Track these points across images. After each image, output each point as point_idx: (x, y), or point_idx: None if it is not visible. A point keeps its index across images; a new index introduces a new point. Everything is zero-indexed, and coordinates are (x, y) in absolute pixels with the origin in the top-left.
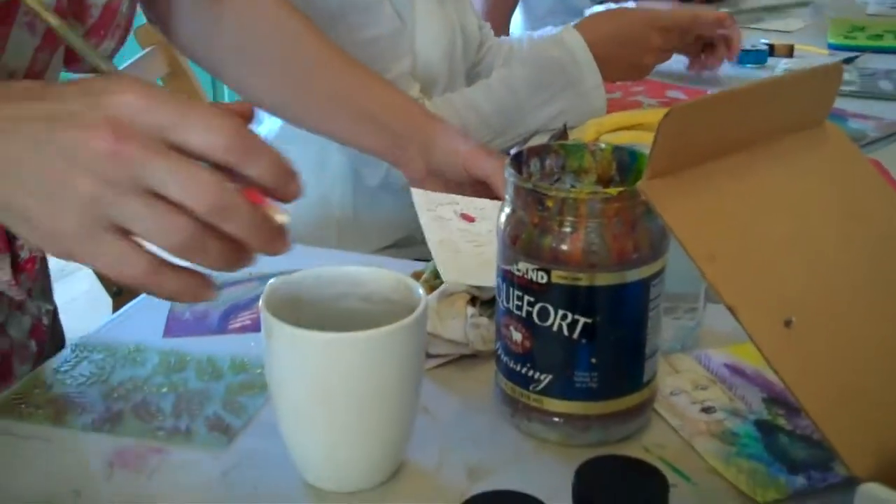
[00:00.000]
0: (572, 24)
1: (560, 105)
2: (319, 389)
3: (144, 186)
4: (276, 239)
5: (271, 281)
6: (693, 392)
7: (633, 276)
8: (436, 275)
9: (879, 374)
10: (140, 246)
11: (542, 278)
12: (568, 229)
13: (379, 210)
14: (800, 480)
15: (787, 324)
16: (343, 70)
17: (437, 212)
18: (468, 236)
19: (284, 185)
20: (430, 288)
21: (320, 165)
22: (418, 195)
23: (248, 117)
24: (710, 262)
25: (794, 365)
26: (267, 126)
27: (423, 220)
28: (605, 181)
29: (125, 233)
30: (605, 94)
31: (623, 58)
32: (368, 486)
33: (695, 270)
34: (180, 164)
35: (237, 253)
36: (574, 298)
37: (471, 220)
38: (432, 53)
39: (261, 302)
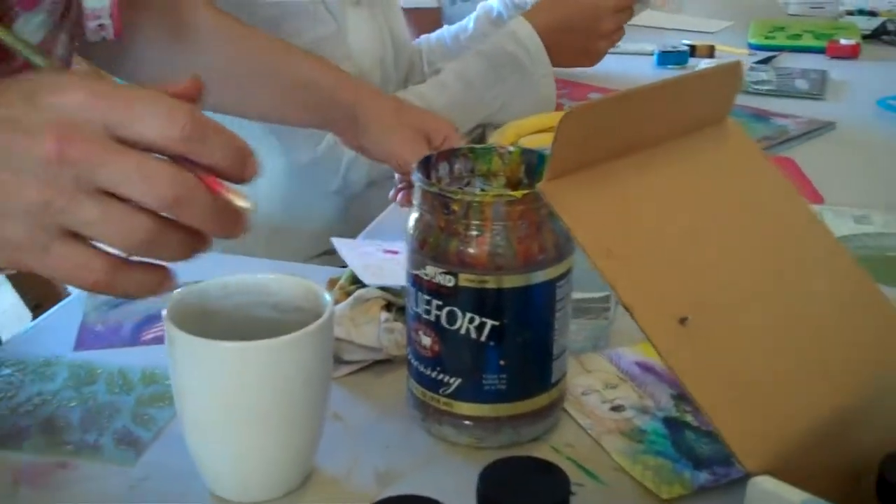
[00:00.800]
0: (521, 13)
1: (508, 94)
2: (222, 400)
3: (96, 187)
4: (236, 224)
5: (176, 291)
6: (603, 391)
7: (540, 277)
8: (352, 281)
9: (774, 370)
10: (94, 249)
11: (449, 282)
12: (474, 232)
13: (311, 215)
14: (704, 476)
15: (683, 321)
16: (267, 45)
17: (360, 249)
18: (393, 262)
19: (241, 168)
20: (346, 294)
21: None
22: (340, 243)
23: (197, 96)
24: (607, 259)
25: (688, 361)
26: None
27: (348, 258)
28: (513, 184)
29: (78, 237)
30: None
31: (574, 44)
32: (276, 496)
33: None
34: (131, 159)
35: (196, 242)
36: (481, 301)
37: (395, 252)
38: (365, 60)
39: (164, 312)
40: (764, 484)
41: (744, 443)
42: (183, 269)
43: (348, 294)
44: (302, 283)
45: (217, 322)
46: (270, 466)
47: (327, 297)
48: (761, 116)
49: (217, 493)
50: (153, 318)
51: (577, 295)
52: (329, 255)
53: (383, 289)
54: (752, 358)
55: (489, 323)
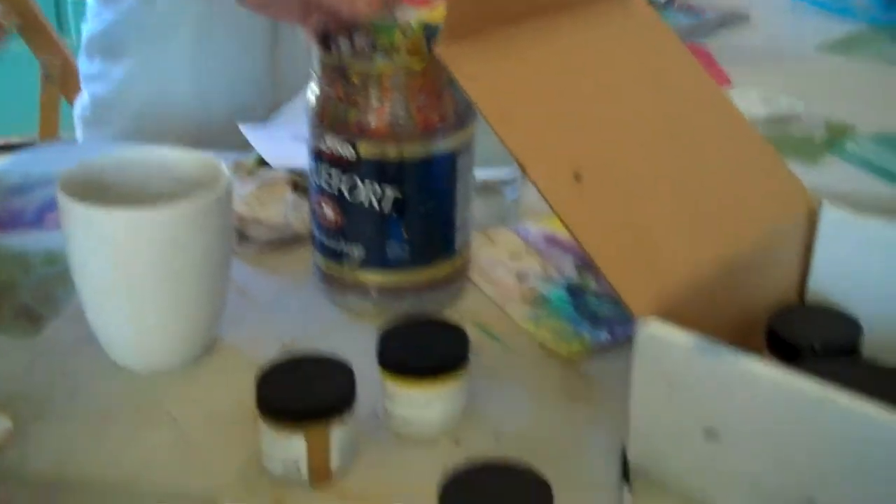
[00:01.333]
0: None
1: None
2: (118, 269)
3: None
4: None
5: (69, 167)
6: (509, 262)
7: (441, 147)
8: (258, 163)
9: (666, 221)
10: None
11: (350, 153)
12: (373, 102)
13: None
14: (602, 335)
15: (577, 178)
16: None
17: (269, 134)
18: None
19: None
20: (249, 173)
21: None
22: (248, 129)
23: None
24: (504, 121)
25: (580, 214)
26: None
27: (255, 142)
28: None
29: None
30: None
31: None
32: (178, 365)
33: None
34: None
35: None
36: (383, 172)
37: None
38: None
39: (57, 185)
40: (652, 327)
41: (633, 290)
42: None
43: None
44: (200, 157)
45: (113, 196)
46: (171, 335)
47: (225, 169)
48: (676, 7)
49: (120, 364)
50: (54, 204)
51: (485, 174)
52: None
53: (292, 171)
54: (644, 210)
55: (391, 193)
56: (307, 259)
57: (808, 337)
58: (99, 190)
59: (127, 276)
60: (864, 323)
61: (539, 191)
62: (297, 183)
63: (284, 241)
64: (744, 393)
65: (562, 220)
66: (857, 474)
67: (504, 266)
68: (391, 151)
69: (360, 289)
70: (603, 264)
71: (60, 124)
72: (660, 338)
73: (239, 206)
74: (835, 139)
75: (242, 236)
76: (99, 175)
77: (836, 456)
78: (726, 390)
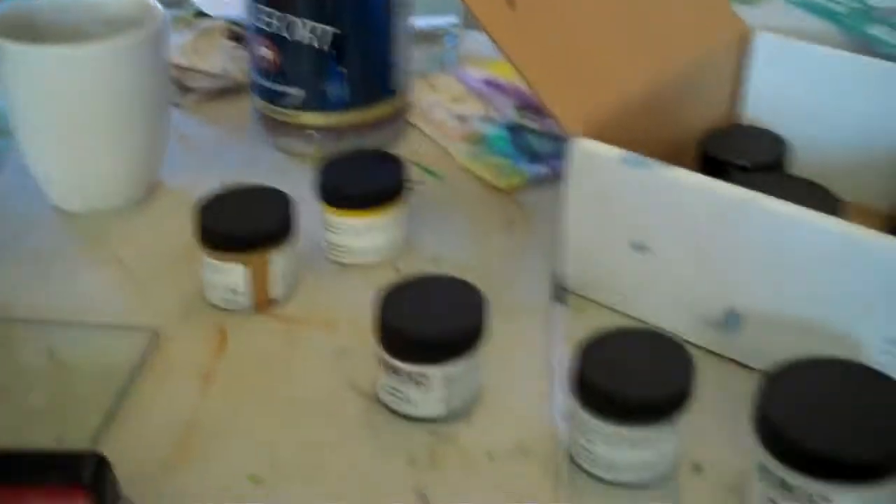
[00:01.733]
0: None
1: None
2: (55, 108)
3: None
4: None
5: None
6: (450, 105)
7: None
8: (195, 15)
9: (598, 44)
10: None
11: None
12: None
13: None
14: (541, 168)
15: (510, 3)
16: None
17: None
18: None
19: None
20: (190, 26)
21: None
22: None
23: None
24: None
25: (515, 37)
26: None
27: None
28: None
29: None
30: None
31: None
32: (120, 205)
33: None
34: None
35: None
36: (320, 8)
37: None
38: None
39: None
40: (584, 144)
41: (565, 109)
42: None
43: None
44: None
45: (47, 38)
46: (110, 175)
47: (158, 6)
48: None
49: (60, 206)
50: None
51: (426, 22)
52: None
53: (230, 20)
54: (578, 33)
55: (330, 31)
56: (246, 107)
57: (736, 155)
58: (30, 32)
59: (63, 115)
60: (796, 144)
61: (474, 16)
62: (235, 32)
63: (225, 90)
64: (670, 202)
65: (496, 44)
66: (775, 281)
67: (445, 109)
68: None
69: (301, 131)
70: (537, 85)
71: None
72: (590, 154)
73: (177, 58)
74: None
75: (183, 87)
76: (29, 18)
77: (755, 261)
78: (653, 201)
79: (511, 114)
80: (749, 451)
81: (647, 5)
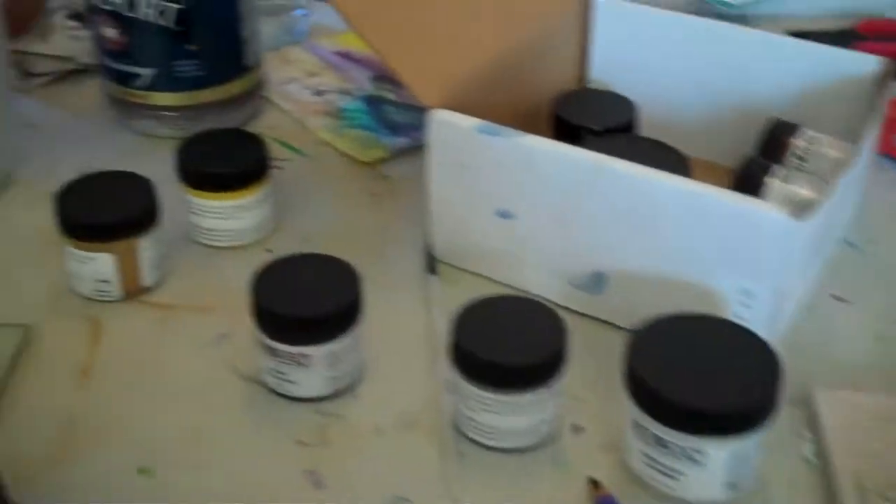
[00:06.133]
0: None
1: None
2: None
3: None
4: None
5: None
6: (306, 80)
7: None
8: None
9: (447, 14)
10: None
11: None
12: None
13: None
14: (402, 140)
15: None
16: None
17: None
18: None
19: None
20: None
21: None
22: None
23: None
24: None
25: (364, 9)
26: None
27: None
28: None
29: None
30: None
31: None
32: None
33: None
34: None
35: None
36: None
37: None
38: None
39: None
40: (441, 115)
41: (421, 82)
42: None
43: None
44: None
45: None
46: None
47: None
48: None
49: None
50: None
51: None
52: None
53: None
54: (424, 3)
55: (172, 6)
56: (96, 88)
57: (587, 118)
58: None
59: None
60: (641, 105)
61: None
62: (74, 10)
63: (71, 73)
64: (527, 169)
65: (344, 18)
66: (634, 241)
67: (301, 83)
68: None
69: (153, 111)
70: (389, 57)
71: None
72: (448, 124)
73: (17, 43)
74: None
75: (25, 73)
76: None
77: (613, 223)
78: (512, 168)
79: (368, 85)
80: (625, 410)
81: None
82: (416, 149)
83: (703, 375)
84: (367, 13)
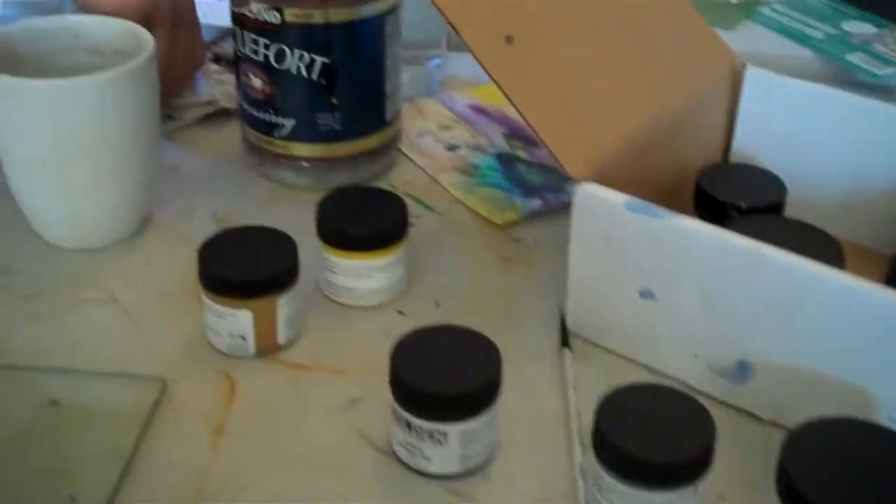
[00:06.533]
0: None
1: None
2: (44, 142)
3: None
4: None
5: None
6: (438, 132)
7: (368, 10)
8: None
9: (596, 84)
10: None
11: (275, 18)
12: None
13: None
14: (535, 202)
15: (509, 40)
16: None
17: None
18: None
19: None
20: None
21: None
22: None
23: None
24: None
25: (514, 77)
26: None
27: None
28: None
29: None
30: None
31: None
32: (112, 241)
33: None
34: None
35: None
36: (310, 37)
37: None
38: None
39: None
40: (589, 189)
41: (569, 153)
42: None
43: None
44: (119, 23)
45: (29, 68)
46: (101, 210)
47: (147, 35)
48: None
49: (51, 242)
50: None
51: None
52: None
53: (212, 42)
54: (575, 74)
55: (319, 60)
56: (235, 133)
57: (734, 195)
58: (10, 60)
59: (51, 149)
60: (786, 180)
61: (471, 52)
62: (219, 55)
63: (209, 116)
64: (676, 251)
65: (496, 84)
66: (787, 333)
67: (434, 137)
68: (318, 16)
69: (292, 161)
70: (539, 127)
71: None
72: (595, 199)
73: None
74: (750, 4)
75: (167, 116)
76: (9, 44)
77: (767, 314)
78: (660, 249)
79: (501, 142)
80: None
81: (643, 44)
82: (549, 212)
83: (859, 486)
84: (518, 78)
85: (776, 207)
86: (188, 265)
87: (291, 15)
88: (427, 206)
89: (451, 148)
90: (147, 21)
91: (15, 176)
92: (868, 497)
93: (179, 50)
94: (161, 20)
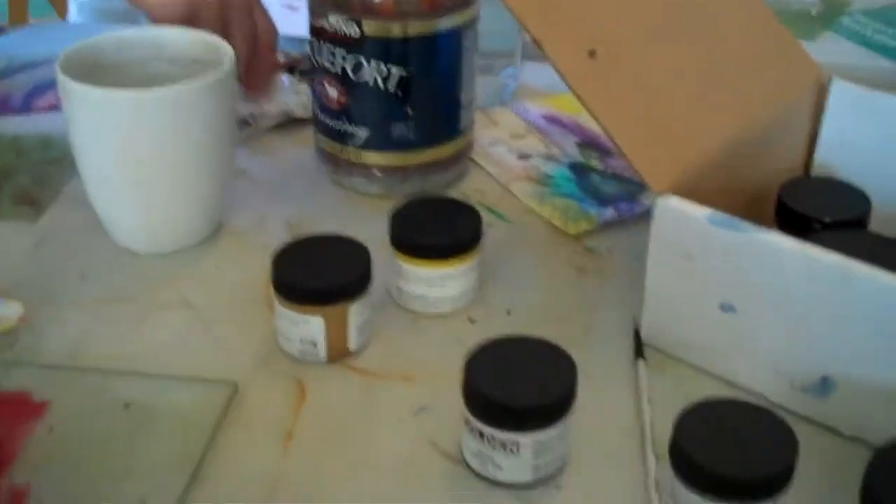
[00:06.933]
0: None
1: None
2: (124, 150)
3: None
4: None
5: (67, 48)
6: (510, 142)
7: (446, 24)
8: None
9: (679, 99)
10: None
11: (354, 31)
12: None
13: None
14: (609, 212)
15: (592, 54)
16: None
17: None
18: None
19: None
20: None
21: None
22: None
23: None
24: None
25: (597, 92)
26: None
27: None
28: None
29: None
30: None
31: None
32: (185, 246)
33: (510, 27)
34: None
35: None
36: (388, 50)
37: (295, 8)
38: None
39: (56, 66)
40: (671, 202)
41: (651, 167)
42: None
43: None
44: (199, 35)
45: (112, 77)
46: (178, 217)
47: (226, 46)
48: None
49: (126, 247)
50: (42, 88)
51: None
52: None
53: (286, 51)
54: (658, 88)
55: (396, 72)
56: (307, 141)
57: (818, 209)
58: (95, 70)
59: (133, 158)
60: (870, 195)
61: (554, 67)
62: (293, 65)
63: (285, 125)
64: (760, 265)
65: (578, 98)
66: (873, 349)
67: (506, 146)
68: (396, 29)
69: (364, 170)
70: (621, 141)
71: (28, 10)
72: (677, 212)
73: (239, 102)
74: (831, 14)
75: (242, 122)
76: (95, 55)
77: (852, 329)
78: (742, 263)
79: (574, 151)
80: None
81: (727, 56)
82: (622, 222)
83: None
84: (600, 93)
85: (860, 222)
86: (260, 271)
87: (370, 28)
88: (499, 215)
89: (524, 157)
90: (191, 19)
91: (93, 183)
92: None
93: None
94: (207, 18)
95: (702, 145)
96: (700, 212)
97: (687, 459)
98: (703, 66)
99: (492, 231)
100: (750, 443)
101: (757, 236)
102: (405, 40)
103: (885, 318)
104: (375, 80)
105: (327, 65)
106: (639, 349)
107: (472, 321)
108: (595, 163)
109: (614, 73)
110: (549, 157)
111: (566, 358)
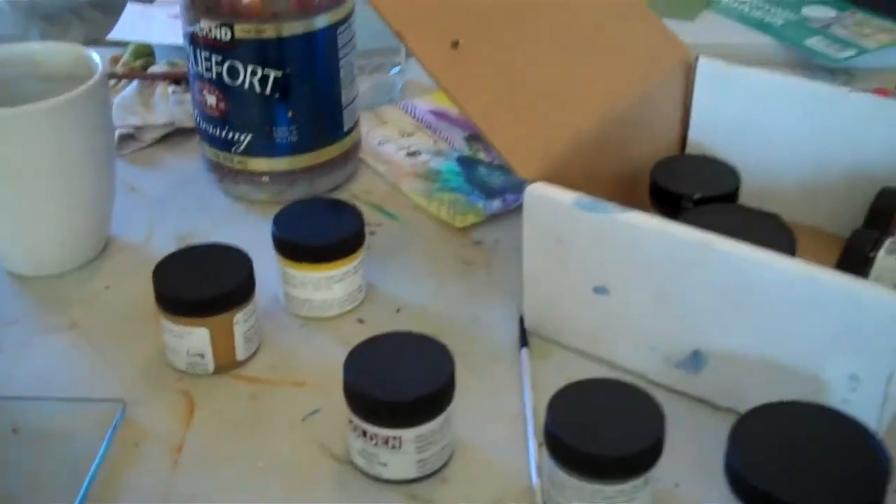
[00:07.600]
0: None
1: None
2: (1, 171)
3: None
4: None
5: None
6: (399, 139)
7: (320, 22)
8: (135, 56)
9: (544, 84)
10: None
11: (226, 35)
12: None
13: None
14: (496, 204)
15: (455, 45)
16: None
17: (145, 14)
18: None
19: None
20: (131, 69)
21: None
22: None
23: None
24: None
25: (461, 81)
26: None
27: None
28: None
29: None
30: None
31: None
32: (72, 267)
33: None
34: None
35: None
36: (262, 52)
37: None
38: None
39: None
40: (538, 189)
41: (518, 154)
42: None
43: (133, 69)
44: (70, 49)
45: None
46: (61, 236)
47: (96, 58)
48: None
49: (11, 270)
50: None
51: (365, 49)
52: None
53: (171, 62)
54: (523, 74)
55: (272, 74)
56: (194, 152)
57: (688, 187)
58: None
59: (9, 178)
60: (741, 169)
61: (417, 59)
62: (178, 77)
63: (171, 136)
64: (627, 246)
65: (443, 89)
66: (736, 320)
67: (395, 144)
68: (269, 31)
69: (251, 176)
70: (487, 130)
71: None
72: (545, 198)
73: (124, 115)
74: None
75: (126, 137)
76: None
77: (716, 302)
78: (610, 245)
79: (461, 145)
80: (723, 495)
81: (593, 40)
82: (509, 213)
83: (806, 470)
84: (464, 81)
85: (730, 197)
86: (149, 287)
87: (242, 31)
88: (388, 214)
89: (412, 154)
90: None
91: None
92: (811, 478)
93: None
94: None
95: (571, 130)
96: (567, 196)
97: (557, 442)
98: (569, 51)
99: (381, 230)
100: (618, 421)
101: (620, 217)
102: (279, 41)
103: (746, 289)
104: (252, 84)
105: (203, 72)
106: (523, 338)
107: (361, 322)
108: (482, 155)
109: (478, 61)
110: (438, 153)
111: (444, 350)
